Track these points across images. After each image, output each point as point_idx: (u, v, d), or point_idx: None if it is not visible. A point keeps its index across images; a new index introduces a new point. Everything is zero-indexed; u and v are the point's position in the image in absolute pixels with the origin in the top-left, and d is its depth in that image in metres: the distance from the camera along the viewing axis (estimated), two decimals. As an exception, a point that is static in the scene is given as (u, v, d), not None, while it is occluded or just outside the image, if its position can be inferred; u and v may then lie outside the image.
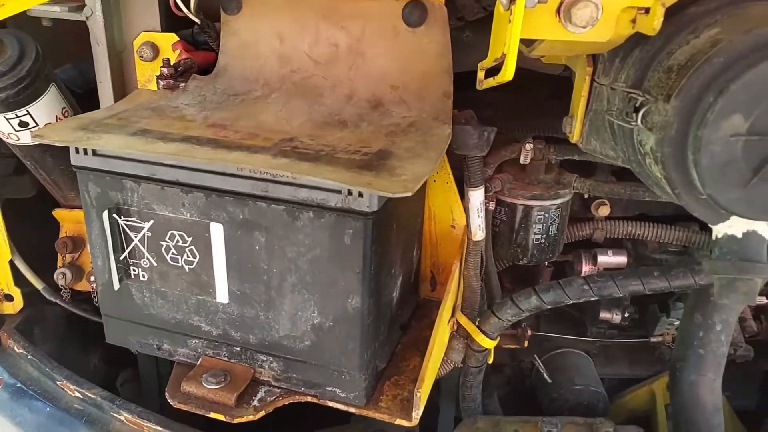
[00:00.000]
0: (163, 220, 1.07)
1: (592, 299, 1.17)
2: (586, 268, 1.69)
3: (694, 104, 0.85)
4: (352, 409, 1.12)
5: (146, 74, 1.34)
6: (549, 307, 1.21)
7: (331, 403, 1.13)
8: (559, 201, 1.39)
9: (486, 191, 1.39)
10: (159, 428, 1.29)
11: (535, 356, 1.69)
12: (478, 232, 1.24)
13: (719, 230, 0.94)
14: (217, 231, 1.04)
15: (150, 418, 1.31)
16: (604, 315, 1.68)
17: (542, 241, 1.42)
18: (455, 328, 1.32)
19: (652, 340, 1.77)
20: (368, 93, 1.18)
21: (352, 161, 0.95)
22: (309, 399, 1.14)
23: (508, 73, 0.87)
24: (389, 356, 1.23)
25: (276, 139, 1.04)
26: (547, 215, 1.40)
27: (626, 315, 1.65)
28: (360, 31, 1.19)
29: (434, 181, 1.29)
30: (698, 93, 0.84)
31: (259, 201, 1.00)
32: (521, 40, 0.86)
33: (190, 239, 1.07)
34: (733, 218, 0.93)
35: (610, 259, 1.63)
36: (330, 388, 1.12)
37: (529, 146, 1.33)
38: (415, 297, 1.42)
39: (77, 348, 1.74)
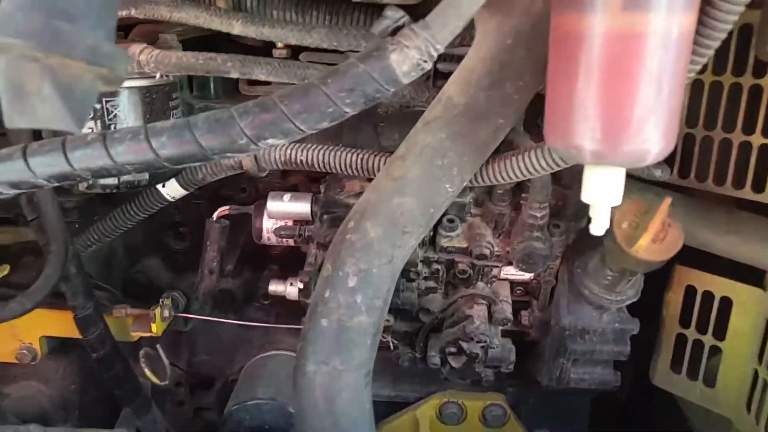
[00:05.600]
0: None
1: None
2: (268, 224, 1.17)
3: None
4: None
5: None
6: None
7: None
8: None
9: None
10: None
11: (158, 347, 1.14)
12: None
13: None
14: None
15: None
16: (274, 287, 1.14)
17: (105, 148, 0.91)
18: None
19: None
20: None
21: None
22: None
23: None
24: None
25: None
26: (100, 106, 0.89)
27: (300, 287, 1.10)
28: None
29: None
30: None
31: None
32: None
33: None
34: None
35: (283, 205, 1.11)
36: None
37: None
38: None
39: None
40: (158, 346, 1.15)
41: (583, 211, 1.09)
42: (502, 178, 0.88)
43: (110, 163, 0.60)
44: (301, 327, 1.20)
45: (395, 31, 0.60)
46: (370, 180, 1.12)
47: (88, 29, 0.42)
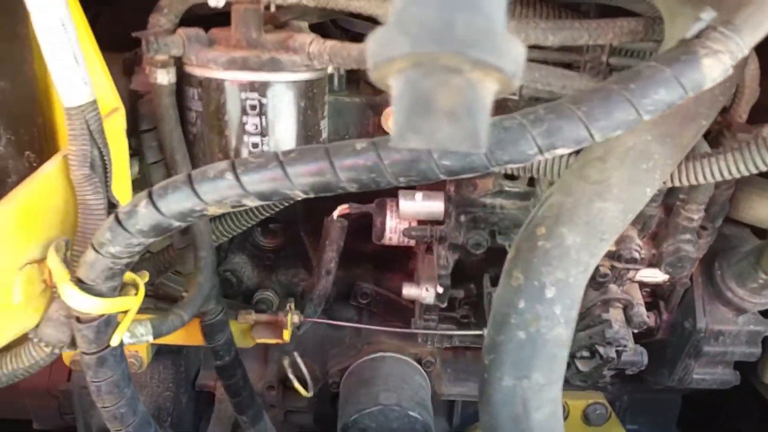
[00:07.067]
0: None
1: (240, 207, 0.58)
2: (391, 223, 1.11)
3: None
4: None
5: None
6: (179, 223, 0.61)
7: None
8: (288, 76, 0.82)
9: (152, 52, 0.82)
10: None
11: (295, 354, 1.09)
12: (73, 92, 0.66)
13: None
14: None
15: None
16: (407, 291, 1.10)
17: (265, 148, 0.84)
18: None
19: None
20: None
21: None
22: None
23: None
24: None
25: None
26: (266, 101, 0.82)
27: (440, 291, 1.06)
28: None
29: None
30: None
31: None
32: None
33: None
34: None
35: (415, 205, 1.06)
36: None
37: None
38: None
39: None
40: (295, 353, 1.08)
41: (723, 211, 1.07)
42: (691, 180, 0.85)
43: (376, 172, 0.54)
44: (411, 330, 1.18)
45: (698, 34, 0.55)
46: (507, 176, 1.07)
47: (508, 35, 0.36)
